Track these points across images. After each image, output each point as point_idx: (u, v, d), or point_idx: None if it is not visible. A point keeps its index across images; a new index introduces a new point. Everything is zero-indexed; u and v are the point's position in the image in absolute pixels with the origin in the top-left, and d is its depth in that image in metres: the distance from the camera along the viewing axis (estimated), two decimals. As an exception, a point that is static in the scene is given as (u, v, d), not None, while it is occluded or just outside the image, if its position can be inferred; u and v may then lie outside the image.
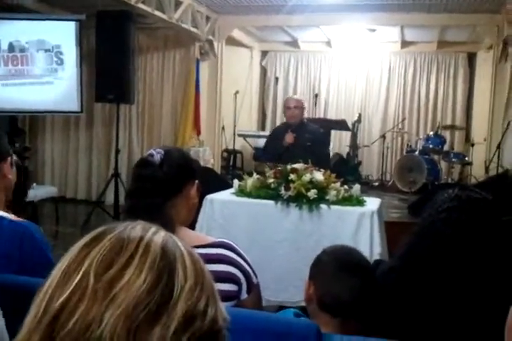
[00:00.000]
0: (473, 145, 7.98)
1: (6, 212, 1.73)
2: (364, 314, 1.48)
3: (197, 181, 1.66)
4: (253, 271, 1.66)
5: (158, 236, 0.63)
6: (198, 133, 7.68)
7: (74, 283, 0.57)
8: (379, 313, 1.47)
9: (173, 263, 0.60)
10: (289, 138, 4.89)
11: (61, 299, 0.57)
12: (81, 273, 0.58)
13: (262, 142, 8.89)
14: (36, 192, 5.83)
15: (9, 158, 1.69)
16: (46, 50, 6.71)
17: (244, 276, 1.61)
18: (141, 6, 5.95)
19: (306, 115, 5.04)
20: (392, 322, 1.46)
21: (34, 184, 6.19)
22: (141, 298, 0.56)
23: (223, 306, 0.64)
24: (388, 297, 1.46)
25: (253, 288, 1.64)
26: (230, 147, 8.68)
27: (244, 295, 1.62)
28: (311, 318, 1.54)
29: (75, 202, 7.80)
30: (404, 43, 9.45)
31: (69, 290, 0.57)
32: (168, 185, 1.56)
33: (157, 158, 1.56)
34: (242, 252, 1.65)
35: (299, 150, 4.61)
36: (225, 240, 1.66)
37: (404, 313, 1.43)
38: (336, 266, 1.52)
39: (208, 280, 0.63)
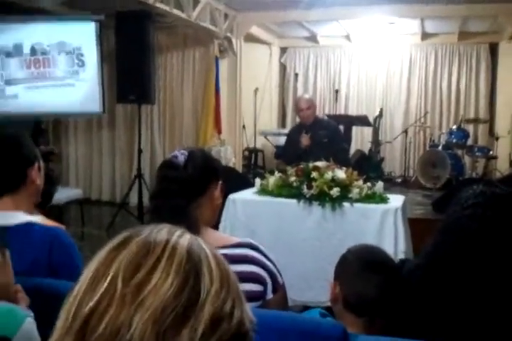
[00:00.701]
0: (497, 138, 7.86)
1: (37, 214, 1.75)
2: (390, 313, 1.47)
3: (220, 182, 1.66)
4: (278, 271, 1.66)
5: (183, 238, 0.64)
6: (219, 132, 7.70)
7: (103, 288, 0.58)
8: (405, 311, 1.46)
9: (199, 265, 0.61)
10: (305, 140, 4.97)
11: (90, 304, 0.57)
12: (109, 277, 0.59)
13: (283, 140, 8.85)
14: (61, 195, 5.90)
15: (36, 164, 1.70)
16: (67, 52, 6.79)
17: (270, 276, 1.61)
18: (159, 5, 5.97)
19: (326, 111, 5.07)
20: (419, 319, 1.45)
21: (59, 186, 6.26)
22: (168, 302, 0.56)
23: (249, 307, 0.64)
24: (414, 295, 1.45)
25: (279, 288, 1.64)
26: (251, 145, 8.68)
27: (269, 295, 1.62)
28: (336, 319, 1.54)
29: (100, 203, 7.89)
30: (425, 35, 9.33)
31: (98, 295, 0.58)
32: (193, 186, 1.57)
33: (181, 159, 1.57)
34: (266, 252, 1.65)
35: (317, 149, 4.65)
36: (249, 240, 1.66)
37: (431, 311, 1.42)
38: (360, 265, 1.52)
39: (233, 282, 0.63)
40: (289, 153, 5.21)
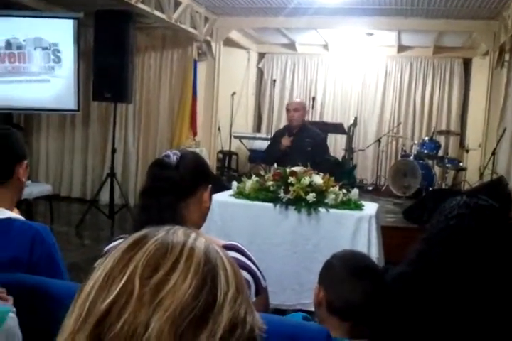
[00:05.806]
0: (467, 151, 8.01)
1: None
2: (374, 318, 1.49)
3: (210, 186, 1.66)
4: (262, 275, 1.67)
5: (199, 242, 0.63)
6: (195, 133, 7.68)
7: (120, 285, 0.57)
8: (388, 318, 1.48)
9: (216, 268, 0.60)
10: (285, 141, 4.93)
11: (107, 300, 0.56)
12: (126, 276, 0.57)
13: (257, 144, 8.93)
14: (31, 190, 5.81)
15: (25, 162, 1.69)
16: (44, 48, 6.70)
17: (254, 280, 1.62)
18: (140, 5, 5.94)
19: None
20: (401, 327, 1.47)
21: (29, 181, 6.16)
22: (186, 303, 0.56)
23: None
24: (398, 302, 1.48)
25: (261, 291, 1.65)
26: (226, 148, 8.68)
27: (252, 298, 1.62)
28: (319, 322, 1.55)
29: (70, 200, 7.79)
30: (401, 48, 9.49)
31: (115, 293, 0.56)
32: (183, 186, 1.57)
33: (173, 159, 1.57)
34: (251, 255, 1.67)
35: (298, 155, 4.59)
36: (235, 243, 1.67)
37: (414, 319, 1.44)
38: (347, 270, 1.54)
39: (245, 288, 0.63)
40: (270, 153, 5.20)
